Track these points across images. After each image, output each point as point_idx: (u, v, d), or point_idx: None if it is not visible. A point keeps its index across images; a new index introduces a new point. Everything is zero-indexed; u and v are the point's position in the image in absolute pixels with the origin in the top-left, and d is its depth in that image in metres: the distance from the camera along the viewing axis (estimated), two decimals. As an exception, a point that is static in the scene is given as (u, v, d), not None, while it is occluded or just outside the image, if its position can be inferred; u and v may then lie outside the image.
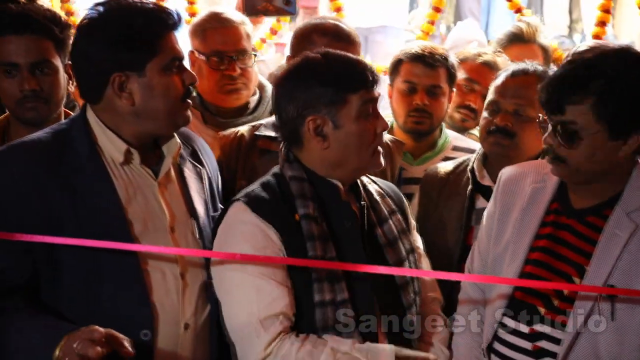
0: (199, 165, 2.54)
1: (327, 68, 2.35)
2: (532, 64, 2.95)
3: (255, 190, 2.41)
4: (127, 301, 2.26)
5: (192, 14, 4.54)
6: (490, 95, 2.91)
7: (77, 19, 4.53)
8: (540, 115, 2.61)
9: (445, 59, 3.30)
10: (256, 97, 3.43)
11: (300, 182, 2.38)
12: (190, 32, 3.41)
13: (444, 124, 3.45)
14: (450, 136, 3.44)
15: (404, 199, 2.62)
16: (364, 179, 2.52)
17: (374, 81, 2.36)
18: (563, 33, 4.60)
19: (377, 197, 2.49)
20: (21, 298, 2.23)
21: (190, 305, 2.37)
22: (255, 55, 3.35)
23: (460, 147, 3.39)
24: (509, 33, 4.07)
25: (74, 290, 2.25)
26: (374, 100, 2.37)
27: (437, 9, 4.58)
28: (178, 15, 2.35)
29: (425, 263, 2.62)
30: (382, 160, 2.41)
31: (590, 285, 2.26)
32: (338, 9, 4.55)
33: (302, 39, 3.11)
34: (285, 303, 2.29)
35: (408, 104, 3.29)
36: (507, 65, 3.19)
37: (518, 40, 3.99)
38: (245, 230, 2.33)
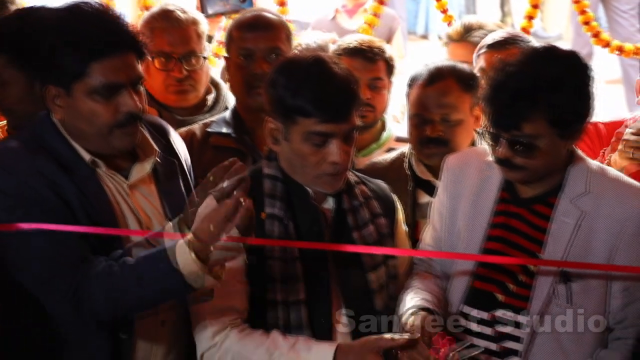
0: (173, 159, 2.51)
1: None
2: (442, 62, 2.99)
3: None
4: None
5: (145, 8, 4.33)
6: (412, 108, 2.93)
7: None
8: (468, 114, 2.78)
9: (384, 51, 3.32)
10: (212, 95, 3.41)
11: (273, 181, 2.41)
12: (140, 28, 3.33)
13: (386, 117, 3.49)
14: (392, 128, 3.48)
15: (396, 203, 2.60)
16: (353, 178, 2.51)
17: (340, 117, 2.31)
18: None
19: (362, 199, 2.48)
20: None
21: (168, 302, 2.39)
22: (204, 57, 3.30)
23: (403, 138, 3.41)
24: (446, 34, 4.16)
25: None
26: (327, 133, 2.31)
27: (381, 1, 4.57)
28: (126, 39, 2.26)
29: (407, 268, 2.59)
30: (330, 185, 2.38)
31: (546, 271, 2.35)
32: (282, 3, 4.50)
33: (227, 37, 3.13)
34: (237, 297, 2.33)
35: None
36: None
37: (451, 40, 4.08)
38: None
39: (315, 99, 2.29)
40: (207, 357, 2.33)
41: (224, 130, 3.04)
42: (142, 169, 2.39)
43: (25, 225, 2.14)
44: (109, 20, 2.26)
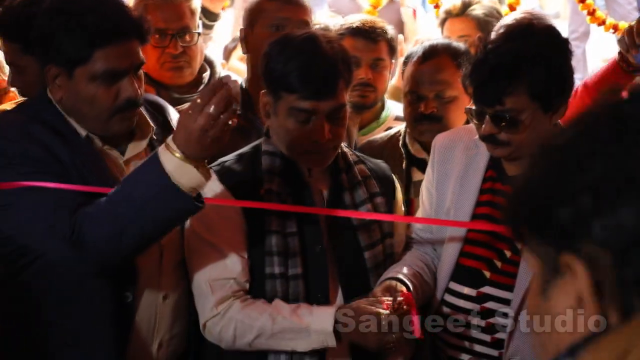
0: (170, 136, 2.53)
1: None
2: (437, 40, 3.02)
3: (229, 161, 2.47)
4: None
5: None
6: (406, 85, 2.96)
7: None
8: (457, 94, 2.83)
9: (386, 32, 3.35)
10: (207, 73, 3.43)
11: (272, 157, 2.43)
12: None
13: (385, 96, 3.51)
14: (391, 107, 3.50)
15: (395, 182, 2.62)
16: (353, 157, 2.54)
17: (323, 94, 2.32)
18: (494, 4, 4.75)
19: (360, 178, 2.50)
20: None
21: (169, 276, 2.43)
22: (199, 33, 3.32)
23: (402, 117, 3.41)
24: (442, 12, 4.26)
25: None
26: (309, 110, 2.32)
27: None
28: (130, 26, 2.27)
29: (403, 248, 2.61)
30: (316, 162, 2.40)
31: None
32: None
33: (253, 9, 3.15)
34: (239, 270, 2.37)
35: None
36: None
37: (450, 16, 4.16)
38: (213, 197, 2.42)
39: (299, 75, 2.30)
40: (209, 326, 2.36)
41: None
42: (138, 146, 2.43)
43: (18, 184, 2.17)
44: (114, 6, 2.28)
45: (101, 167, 2.33)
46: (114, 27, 2.25)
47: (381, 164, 2.64)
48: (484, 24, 4.08)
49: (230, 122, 2.06)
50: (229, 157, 2.49)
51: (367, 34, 3.29)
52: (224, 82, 2.09)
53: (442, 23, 4.20)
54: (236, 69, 4.62)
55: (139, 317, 2.39)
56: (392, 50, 3.37)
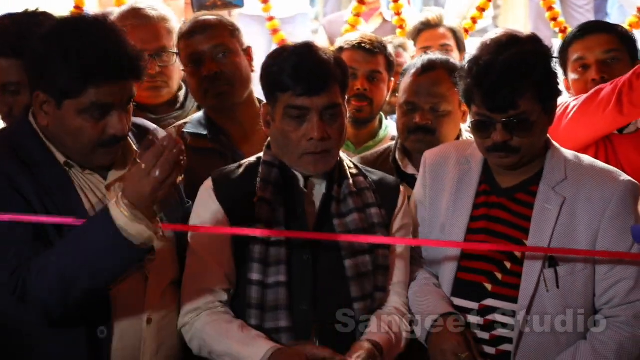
0: None
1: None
2: (436, 55, 3.06)
3: (229, 168, 2.53)
4: None
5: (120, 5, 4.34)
6: (403, 95, 2.99)
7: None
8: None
9: (384, 47, 3.40)
10: (183, 91, 3.41)
11: (270, 167, 2.46)
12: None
13: (383, 115, 3.52)
14: (389, 126, 3.50)
15: (399, 193, 2.58)
16: (353, 170, 2.54)
17: (314, 90, 2.35)
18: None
19: (354, 189, 2.49)
20: None
21: (154, 299, 2.38)
22: (176, 53, 3.26)
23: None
24: (417, 23, 4.37)
25: None
26: (302, 106, 2.36)
27: (362, 2, 4.64)
28: (128, 66, 2.22)
29: (401, 265, 2.56)
30: (314, 165, 2.42)
31: (533, 257, 2.40)
32: (265, 0, 4.56)
33: (178, 49, 3.20)
34: (214, 279, 2.40)
35: (349, 89, 3.21)
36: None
37: (427, 27, 4.29)
38: (201, 203, 2.48)
39: (291, 73, 2.35)
40: (183, 332, 2.43)
41: (199, 131, 3.05)
42: (119, 168, 2.39)
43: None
44: (115, 44, 2.21)
45: (71, 194, 2.28)
46: (112, 67, 2.19)
47: (388, 177, 2.63)
48: (457, 33, 4.32)
49: (178, 180, 2.10)
50: (230, 166, 2.53)
51: (365, 47, 3.34)
52: (161, 141, 2.08)
53: (416, 35, 4.31)
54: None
55: (121, 345, 2.32)
56: (390, 65, 3.40)
